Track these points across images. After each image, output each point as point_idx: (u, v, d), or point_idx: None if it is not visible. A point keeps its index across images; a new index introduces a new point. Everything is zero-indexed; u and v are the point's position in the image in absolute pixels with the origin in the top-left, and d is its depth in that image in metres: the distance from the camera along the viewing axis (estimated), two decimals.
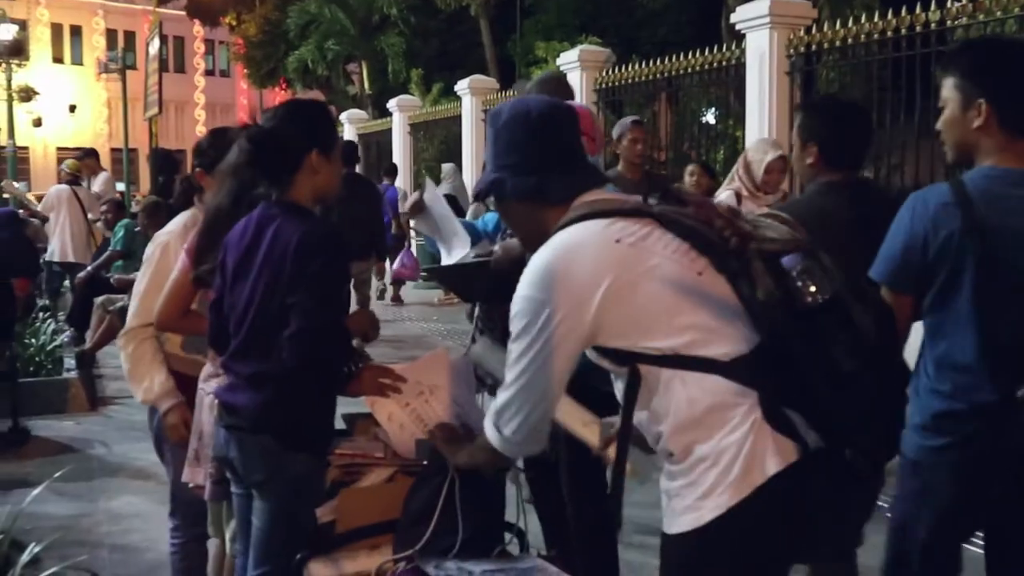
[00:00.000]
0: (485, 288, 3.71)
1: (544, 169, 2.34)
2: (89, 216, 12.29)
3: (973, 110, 2.70)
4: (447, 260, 3.83)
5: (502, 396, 2.33)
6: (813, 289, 2.08)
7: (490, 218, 4.10)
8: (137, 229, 10.02)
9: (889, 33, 8.47)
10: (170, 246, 3.68)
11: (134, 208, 13.57)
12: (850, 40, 8.94)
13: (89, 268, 10.64)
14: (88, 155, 13.99)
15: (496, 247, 3.65)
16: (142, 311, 3.67)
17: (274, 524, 2.97)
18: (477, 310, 3.99)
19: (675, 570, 2.26)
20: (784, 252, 2.15)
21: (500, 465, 2.65)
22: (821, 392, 2.10)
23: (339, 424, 4.08)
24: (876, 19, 8.52)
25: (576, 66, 12.81)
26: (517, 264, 3.47)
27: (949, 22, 8.06)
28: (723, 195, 5.42)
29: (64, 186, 12.45)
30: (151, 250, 3.74)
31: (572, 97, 4.75)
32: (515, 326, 2.24)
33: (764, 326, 2.13)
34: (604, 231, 2.21)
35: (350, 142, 15.29)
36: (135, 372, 3.72)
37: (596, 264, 2.18)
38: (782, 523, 2.13)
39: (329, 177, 3.06)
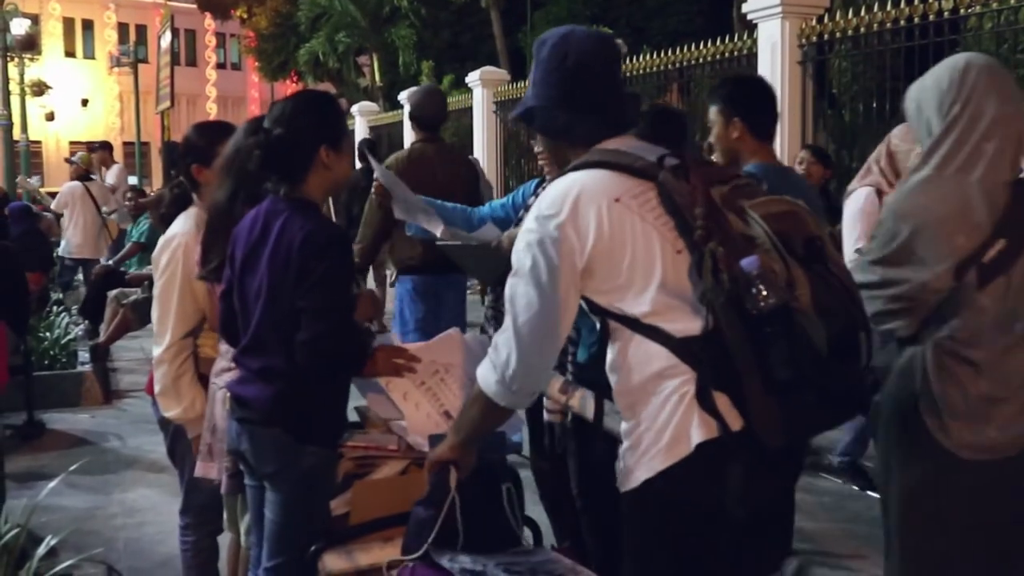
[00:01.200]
0: (495, 270, 3.70)
1: (573, 110, 2.43)
2: (104, 209, 12.35)
3: (732, 127, 3.65)
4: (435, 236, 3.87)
5: (503, 336, 2.35)
6: (764, 294, 2.12)
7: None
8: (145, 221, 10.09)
9: (902, 22, 8.43)
10: (188, 247, 3.61)
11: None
12: (862, 29, 8.90)
13: (111, 260, 10.69)
14: (102, 147, 14.04)
15: (503, 236, 3.65)
16: (182, 319, 3.60)
17: (287, 516, 2.98)
18: (488, 299, 3.99)
19: (624, 527, 2.39)
20: (745, 254, 2.17)
21: (487, 432, 2.64)
22: (751, 391, 2.16)
23: (352, 417, 4.12)
24: (889, 8, 8.48)
25: None
26: None
27: (962, 10, 8.01)
28: (861, 193, 4.57)
29: (76, 183, 12.47)
30: (166, 257, 3.65)
31: (445, 108, 4.84)
32: (519, 258, 2.33)
33: (714, 317, 2.18)
34: (609, 186, 2.30)
35: (368, 140, 15.23)
36: (177, 388, 3.61)
37: (595, 216, 2.27)
38: (706, 490, 2.23)
39: (340, 170, 3.06)
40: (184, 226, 3.70)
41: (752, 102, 3.72)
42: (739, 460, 2.21)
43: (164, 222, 3.90)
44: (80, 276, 12.49)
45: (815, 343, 2.15)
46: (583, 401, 2.84)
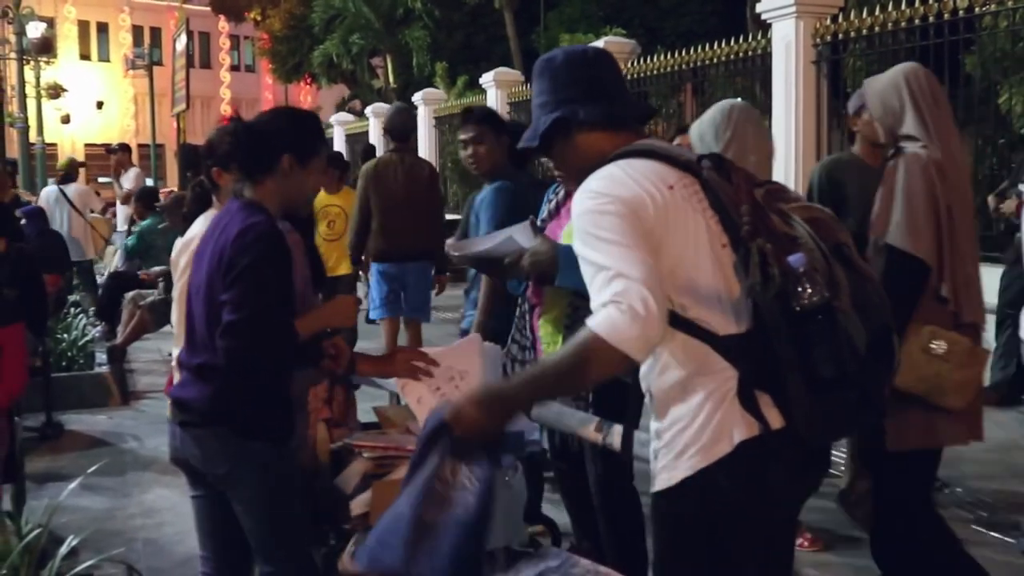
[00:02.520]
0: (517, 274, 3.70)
1: (611, 95, 2.44)
2: (92, 212, 12.49)
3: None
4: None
5: (610, 289, 2.12)
6: (808, 292, 2.12)
7: None
8: (161, 226, 10.12)
9: (917, 21, 8.41)
10: None
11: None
12: (877, 28, 8.88)
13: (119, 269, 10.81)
14: (120, 150, 14.11)
15: (527, 256, 3.61)
16: None
17: (258, 519, 2.95)
18: (520, 309, 3.95)
19: (655, 527, 2.39)
20: (790, 252, 2.18)
21: (551, 395, 2.57)
22: (795, 389, 2.16)
23: (369, 416, 4.14)
24: (903, 7, 8.46)
25: None
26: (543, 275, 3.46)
27: (977, 9, 8.00)
28: None
29: (53, 188, 12.62)
30: (186, 258, 3.65)
31: (413, 122, 4.83)
32: (585, 233, 2.20)
33: (755, 314, 2.18)
34: (660, 173, 2.27)
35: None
36: None
37: (651, 200, 2.21)
38: (746, 489, 2.22)
39: (298, 186, 3.03)
40: (203, 227, 3.71)
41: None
42: (780, 459, 2.22)
43: (187, 221, 3.93)
44: (76, 280, 12.57)
45: (856, 342, 2.16)
46: (614, 436, 2.85)
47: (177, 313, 3.68)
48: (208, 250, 2.95)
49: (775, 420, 2.20)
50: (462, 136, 4.83)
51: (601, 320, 2.09)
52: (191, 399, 2.96)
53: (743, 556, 2.28)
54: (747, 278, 2.19)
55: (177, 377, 3.20)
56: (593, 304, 2.14)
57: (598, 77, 2.46)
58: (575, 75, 2.45)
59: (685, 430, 2.24)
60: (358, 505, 3.04)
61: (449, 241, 4.35)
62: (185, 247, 3.70)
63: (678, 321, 2.21)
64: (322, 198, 8.37)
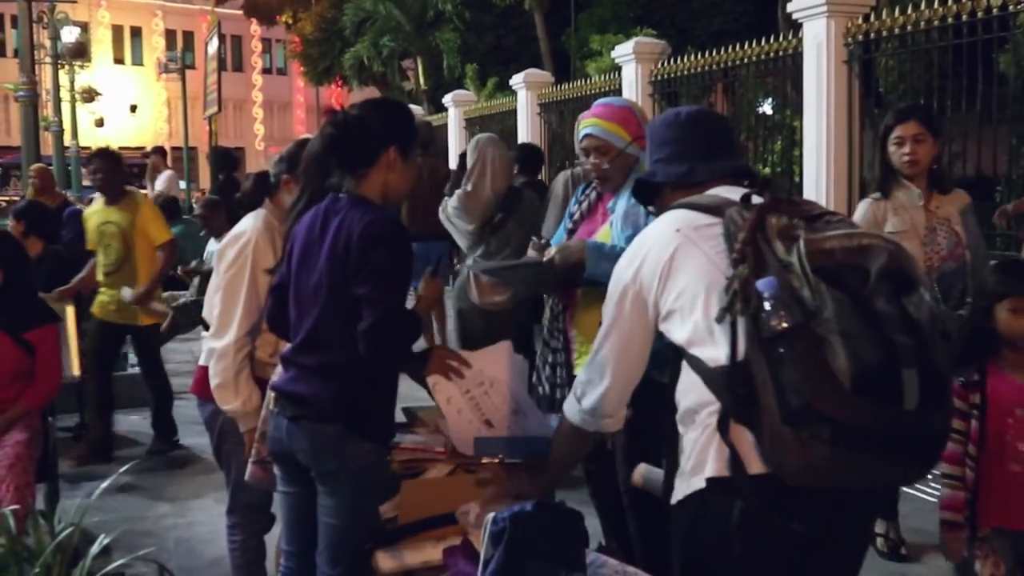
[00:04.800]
0: (545, 283, 3.72)
1: (688, 158, 2.68)
2: None
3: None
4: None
5: (585, 368, 2.67)
6: (781, 315, 2.06)
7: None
8: (202, 233, 10.16)
9: (950, 19, 8.34)
10: (259, 244, 3.65)
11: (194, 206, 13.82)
12: (909, 27, 8.81)
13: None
14: (155, 152, 14.21)
15: (552, 250, 3.64)
16: (247, 315, 3.63)
17: (348, 518, 2.97)
18: (548, 315, 3.95)
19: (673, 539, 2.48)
20: (761, 276, 2.14)
21: (574, 461, 2.98)
22: (767, 418, 2.08)
23: (399, 417, 4.14)
24: (936, 5, 8.39)
25: (631, 58, 12.75)
26: (575, 268, 3.50)
27: (1011, 7, 7.91)
28: None
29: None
30: (235, 251, 3.69)
31: (430, 132, 4.98)
32: (606, 303, 2.59)
33: (732, 341, 2.19)
34: (675, 219, 2.48)
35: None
36: (235, 382, 3.64)
37: (659, 250, 2.45)
38: (709, 527, 2.26)
39: (402, 178, 3.05)
40: (255, 223, 3.76)
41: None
42: (746, 503, 2.16)
43: (248, 208, 3.90)
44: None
45: (833, 371, 1.99)
46: (655, 480, 2.87)
47: (222, 303, 3.69)
48: (323, 248, 2.95)
49: (753, 464, 2.15)
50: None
51: (568, 405, 2.74)
52: (310, 395, 2.97)
53: None
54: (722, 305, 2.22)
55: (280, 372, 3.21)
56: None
57: (683, 135, 2.71)
58: (665, 133, 2.74)
59: (684, 456, 2.36)
60: (388, 507, 3.04)
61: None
62: (235, 240, 3.72)
63: (682, 354, 2.35)
64: None
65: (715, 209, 2.41)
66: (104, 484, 4.13)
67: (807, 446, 2.02)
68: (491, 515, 2.44)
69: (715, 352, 2.24)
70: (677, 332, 2.36)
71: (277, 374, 3.23)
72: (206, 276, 9.01)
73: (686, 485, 2.33)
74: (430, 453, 3.23)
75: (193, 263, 9.46)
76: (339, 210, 2.97)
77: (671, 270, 2.39)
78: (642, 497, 3.71)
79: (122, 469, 4.49)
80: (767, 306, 2.07)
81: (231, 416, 3.72)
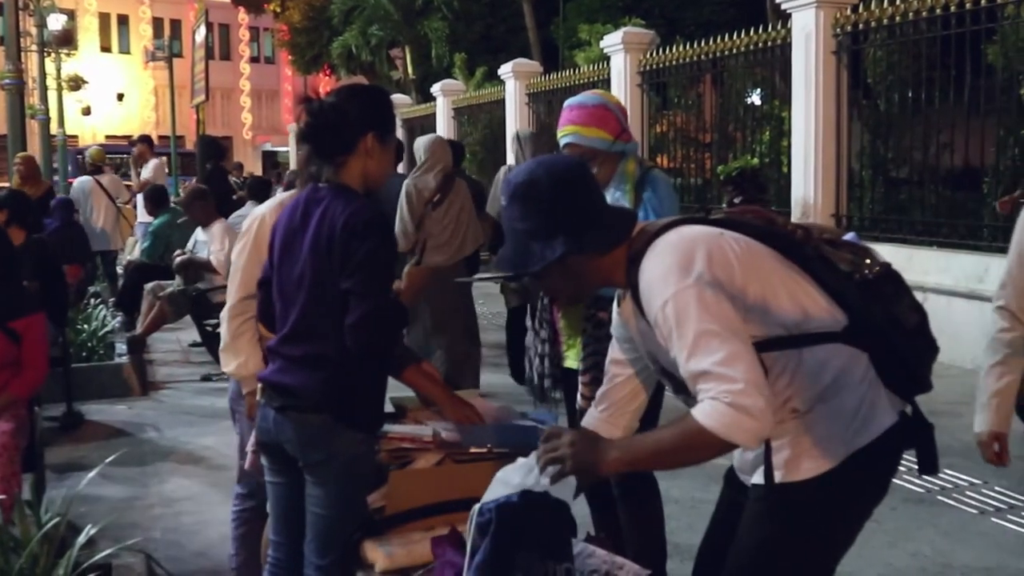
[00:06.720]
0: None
1: (602, 219, 2.40)
2: (118, 201, 12.59)
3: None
4: None
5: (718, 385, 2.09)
6: (875, 260, 2.37)
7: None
8: (180, 220, 10.16)
9: (938, 11, 8.36)
10: (266, 220, 3.67)
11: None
12: (898, 18, 8.83)
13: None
14: (141, 141, 14.18)
15: None
16: (244, 283, 3.68)
17: (336, 508, 2.96)
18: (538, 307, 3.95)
19: (784, 516, 2.35)
20: (838, 237, 2.39)
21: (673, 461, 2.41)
22: (900, 347, 2.35)
23: (389, 409, 4.14)
24: None
25: (620, 48, 12.75)
26: None
27: None
28: None
29: (87, 178, 12.70)
30: (247, 223, 3.78)
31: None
32: (677, 321, 2.16)
33: (843, 299, 2.34)
34: (703, 230, 2.36)
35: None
36: (234, 345, 3.73)
37: (721, 253, 2.26)
38: (887, 472, 2.40)
39: (381, 164, 3.03)
40: (272, 201, 3.89)
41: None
42: (923, 434, 2.41)
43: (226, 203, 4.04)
44: (103, 269, 12.66)
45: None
46: None
47: (230, 272, 3.82)
48: (305, 239, 2.93)
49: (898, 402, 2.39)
50: None
51: (714, 417, 2.06)
52: (297, 385, 2.96)
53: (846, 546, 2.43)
54: (828, 269, 2.36)
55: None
56: (697, 381, 2.11)
57: (592, 201, 2.40)
58: (568, 205, 2.36)
59: (835, 420, 2.31)
60: (376, 497, 3.03)
61: None
62: (254, 216, 3.81)
63: (802, 339, 2.30)
64: None
65: (703, 222, 2.42)
66: (90, 475, 4.12)
67: (923, 350, 2.40)
68: (477, 506, 2.43)
69: (831, 318, 2.33)
70: (773, 324, 2.27)
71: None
72: (193, 267, 9.00)
73: (846, 448, 2.28)
74: (418, 443, 3.22)
75: (177, 253, 9.37)
76: (320, 199, 2.95)
77: (742, 269, 2.25)
78: (632, 487, 3.73)
79: (108, 460, 4.48)
80: (864, 255, 2.39)
81: (233, 377, 3.82)
